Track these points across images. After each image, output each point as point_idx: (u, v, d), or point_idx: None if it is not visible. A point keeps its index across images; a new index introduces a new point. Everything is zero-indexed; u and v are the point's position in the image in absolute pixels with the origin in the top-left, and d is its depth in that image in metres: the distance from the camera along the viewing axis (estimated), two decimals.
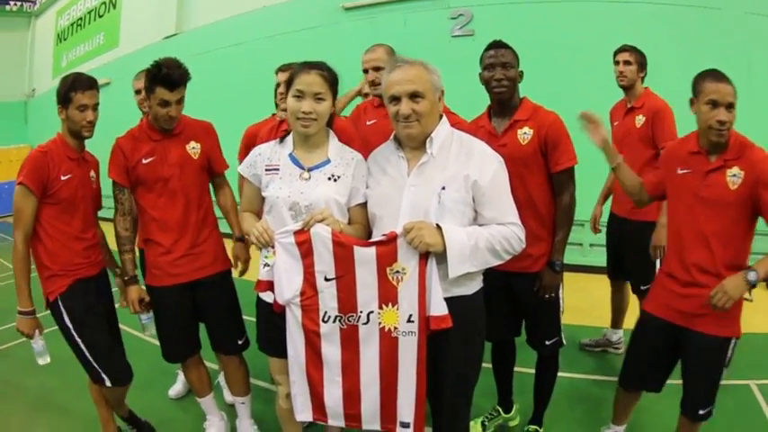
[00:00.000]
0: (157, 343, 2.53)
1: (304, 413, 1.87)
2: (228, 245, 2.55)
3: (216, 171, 2.53)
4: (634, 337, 2.25)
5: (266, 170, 1.90)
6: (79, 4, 12.52)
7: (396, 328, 1.71)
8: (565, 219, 2.27)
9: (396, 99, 1.70)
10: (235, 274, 2.56)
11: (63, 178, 2.26)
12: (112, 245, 2.54)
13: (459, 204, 1.70)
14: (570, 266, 2.49)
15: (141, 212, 2.42)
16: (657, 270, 2.17)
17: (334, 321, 1.75)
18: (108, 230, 2.54)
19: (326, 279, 1.73)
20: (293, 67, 1.88)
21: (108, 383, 2.35)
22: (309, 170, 1.87)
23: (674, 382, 2.18)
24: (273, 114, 2.87)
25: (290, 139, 1.93)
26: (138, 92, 2.91)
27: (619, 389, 2.36)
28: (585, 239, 4.79)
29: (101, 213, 2.56)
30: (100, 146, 2.45)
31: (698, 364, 2.03)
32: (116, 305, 2.57)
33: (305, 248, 1.72)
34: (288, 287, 1.75)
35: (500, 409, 2.73)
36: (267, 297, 1.91)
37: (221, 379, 3.04)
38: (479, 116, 2.41)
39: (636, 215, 2.95)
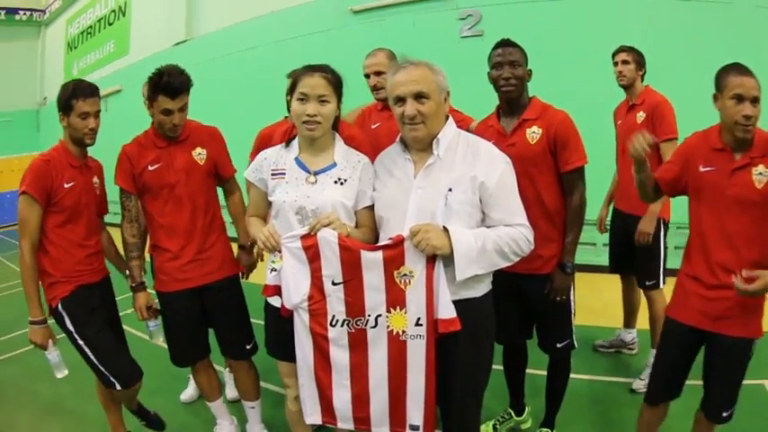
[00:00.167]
0: None
1: (313, 416, 1.86)
2: (237, 250, 2.56)
3: (223, 176, 2.52)
4: (661, 351, 2.13)
5: (272, 174, 1.89)
6: (89, 12, 12.72)
7: (404, 331, 1.69)
8: (575, 219, 2.23)
9: (401, 100, 1.69)
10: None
11: (66, 186, 2.26)
12: (121, 250, 2.54)
13: (466, 206, 1.68)
14: (583, 266, 2.44)
15: (149, 219, 2.42)
16: (678, 272, 2.10)
17: (342, 325, 1.74)
18: (116, 236, 2.55)
19: (334, 283, 1.71)
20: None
21: (118, 387, 2.34)
22: (316, 174, 1.85)
23: (687, 382, 2.12)
24: (285, 117, 2.87)
25: (295, 142, 1.92)
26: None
27: (644, 407, 2.19)
28: (598, 239, 4.73)
29: (108, 219, 2.56)
30: (113, 153, 2.43)
31: (724, 366, 1.97)
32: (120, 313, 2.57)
33: (312, 253, 1.71)
34: (295, 292, 1.74)
35: (512, 412, 2.71)
36: (275, 302, 1.91)
37: (225, 375, 3.06)
38: (488, 116, 2.38)
39: (640, 211, 2.92)
